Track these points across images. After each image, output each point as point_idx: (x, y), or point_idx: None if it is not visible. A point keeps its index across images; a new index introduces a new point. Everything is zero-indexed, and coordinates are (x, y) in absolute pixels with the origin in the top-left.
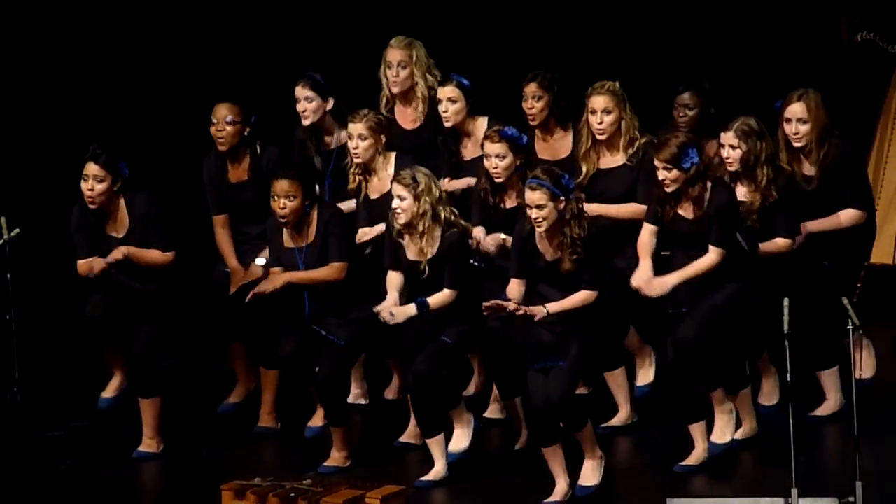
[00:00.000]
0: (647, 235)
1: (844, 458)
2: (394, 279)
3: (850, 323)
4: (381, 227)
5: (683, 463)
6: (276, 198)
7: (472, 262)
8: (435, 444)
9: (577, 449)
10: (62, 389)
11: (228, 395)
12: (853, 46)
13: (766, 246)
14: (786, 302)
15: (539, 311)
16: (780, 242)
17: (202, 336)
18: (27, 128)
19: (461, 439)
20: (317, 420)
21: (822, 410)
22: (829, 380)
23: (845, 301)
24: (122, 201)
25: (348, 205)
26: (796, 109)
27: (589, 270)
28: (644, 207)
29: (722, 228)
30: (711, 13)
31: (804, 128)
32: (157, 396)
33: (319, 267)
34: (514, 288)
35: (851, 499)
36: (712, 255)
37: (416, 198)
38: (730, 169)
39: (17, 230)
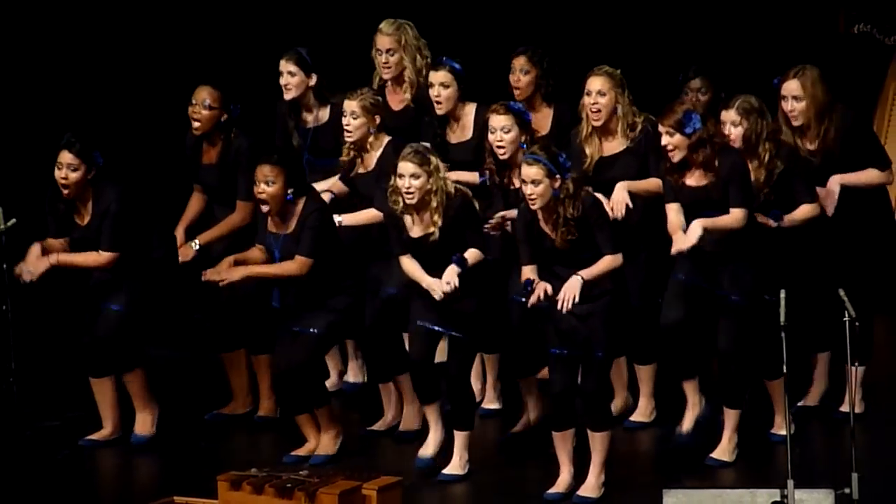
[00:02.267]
0: (673, 215)
1: (841, 450)
2: (411, 265)
3: (846, 315)
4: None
5: (682, 430)
6: (256, 182)
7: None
8: (431, 412)
9: (582, 452)
10: (59, 379)
11: (223, 407)
12: (850, 38)
13: (794, 215)
14: (782, 294)
15: (574, 287)
16: (807, 208)
17: (199, 329)
18: (22, 119)
19: (432, 444)
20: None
21: (810, 400)
22: (820, 364)
23: (842, 293)
24: (92, 192)
25: (330, 181)
26: (792, 87)
27: (603, 237)
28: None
29: (741, 188)
30: (708, 5)
31: (800, 105)
32: (136, 369)
33: (286, 260)
34: (528, 275)
35: (847, 490)
36: (737, 215)
37: (430, 175)
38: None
39: (13, 220)
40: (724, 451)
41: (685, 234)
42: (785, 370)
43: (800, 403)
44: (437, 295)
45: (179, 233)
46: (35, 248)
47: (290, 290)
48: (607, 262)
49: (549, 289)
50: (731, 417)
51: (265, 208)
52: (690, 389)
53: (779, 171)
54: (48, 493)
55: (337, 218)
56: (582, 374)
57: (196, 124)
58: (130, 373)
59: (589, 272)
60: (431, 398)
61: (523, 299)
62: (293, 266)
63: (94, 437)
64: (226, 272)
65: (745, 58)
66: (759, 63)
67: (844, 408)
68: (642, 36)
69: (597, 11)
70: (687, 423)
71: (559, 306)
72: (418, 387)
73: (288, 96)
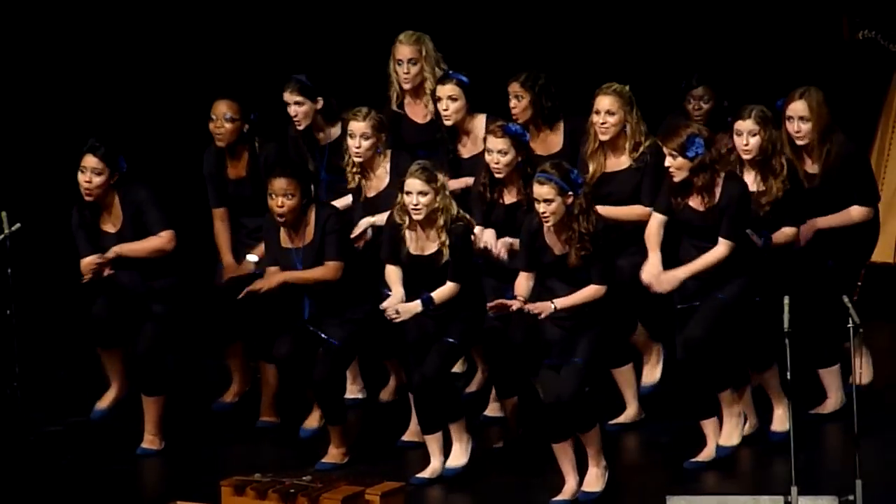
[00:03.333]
0: (655, 226)
1: (844, 457)
2: (394, 273)
3: (850, 321)
4: (378, 217)
5: (694, 459)
6: (273, 196)
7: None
8: (433, 442)
9: (584, 454)
10: (63, 385)
11: (224, 394)
12: (854, 44)
13: (775, 237)
14: (786, 300)
15: (546, 308)
16: (787, 232)
17: (202, 332)
18: (28, 123)
19: (460, 455)
20: (312, 421)
21: (823, 409)
22: (831, 378)
23: (846, 299)
24: (117, 197)
25: (345, 201)
26: (798, 108)
27: (597, 265)
28: (648, 210)
29: (733, 221)
30: (713, 11)
31: (805, 126)
32: (160, 395)
33: (317, 267)
34: (523, 282)
35: (851, 497)
36: (721, 248)
37: (437, 192)
38: (746, 157)
39: (17, 225)
40: (706, 455)
41: (664, 276)
42: (789, 377)
43: (812, 411)
44: (389, 313)
45: (229, 259)
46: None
47: (321, 298)
48: (590, 292)
49: (515, 307)
50: (707, 426)
51: (282, 220)
52: (710, 430)
53: (787, 190)
54: (52, 499)
55: (508, 240)
56: (560, 380)
57: (219, 138)
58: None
59: (565, 301)
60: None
61: (490, 314)
62: (326, 271)
63: (102, 405)
64: (261, 281)
65: (748, 65)
66: (762, 70)
67: (820, 409)
68: (646, 42)
69: (601, 19)
70: (701, 458)
71: (525, 308)
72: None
73: (301, 126)
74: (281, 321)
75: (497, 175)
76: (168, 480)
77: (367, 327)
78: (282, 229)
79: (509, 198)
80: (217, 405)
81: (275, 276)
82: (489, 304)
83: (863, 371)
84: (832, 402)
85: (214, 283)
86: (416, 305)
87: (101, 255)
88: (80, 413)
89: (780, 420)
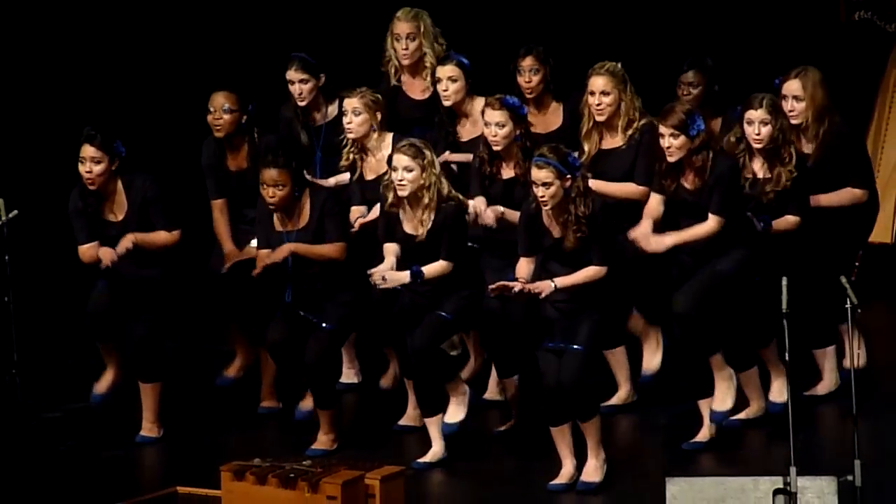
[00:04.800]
0: (654, 202)
1: (843, 437)
2: (390, 248)
3: (848, 302)
4: (376, 211)
5: (693, 440)
6: (264, 186)
7: (468, 243)
8: (433, 425)
9: (582, 441)
10: (62, 371)
11: (227, 368)
12: (851, 25)
13: (777, 224)
14: (784, 281)
15: (546, 287)
16: (791, 220)
17: (201, 318)
18: (25, 111)
19: (457, 412)
20: (307, 403)
21: (818, 390)
22: (826, 359)
23: (843, 280)
24: (120, 184)
25: (339, 178)
26: (793, 87)
27: (597, 246)
28: (641, 189)
29: (722, 196)
30: None
31: (800, 105)
32: (157, 381)
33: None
34: (523, 266)
35: (850, 477)
36: (711, 223)
37: (423, 169)
38: (757, 147)
39: (15, 212)
40: (704, 435)
41: (653, 238)
42: (787, 357)
43: (806, 393)
44: (375, 279)
45: (230, 247)
46: (104, 248)
47: (309, 282)
48: (590, 272)
49: (516, 288)
50: (704, 406)
51: (273, 209)
52: (706, 410)
53: (794, 177)
54: (51, 485)
55: (499, 209)
56: (561, 366)
57: (218, 130)
58: (151, 384)
59: (565, 280)
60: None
61: (492, 296)
62: (334, 250)
63: (100, 388)
64: (272, 254)
65: (745, 47)
66: (759, 52)
67: (815, 391)
68: (639, 25)
69: (596, 2)
70: (699, 439)
71: (525, 289)
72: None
73: (303, 103)
74: (270, 306)
75: (495, 148)
76: (168, 466)
77: (359, 309)
78: (275, 214)
79: (507, 172)
80: (220, 380)
81: (284, 247)
82: (490, 287)
83: (859, 354)
84: (826, 383)
85: (210, 266)
86: (405, 275)
87: (118, 249)
88: (79, 399)
89: (779, 391)
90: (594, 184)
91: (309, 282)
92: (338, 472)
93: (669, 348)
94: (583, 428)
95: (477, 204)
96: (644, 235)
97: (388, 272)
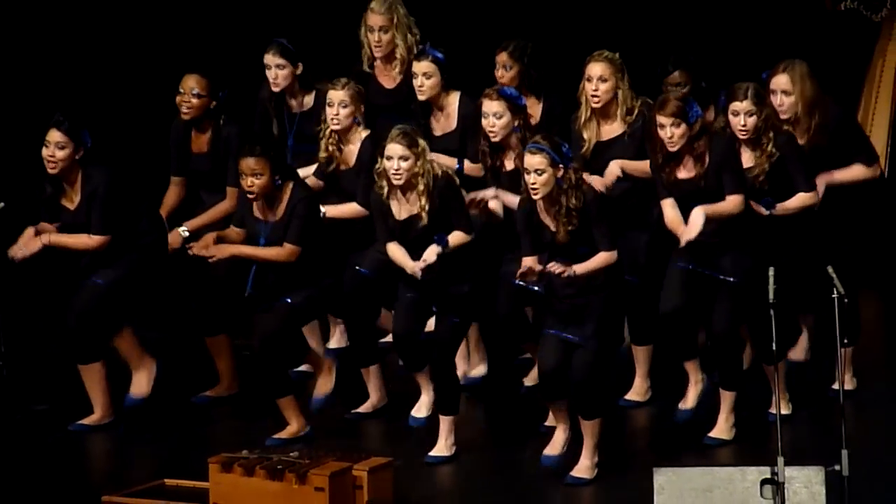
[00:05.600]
0: (670, 210)
1: (831, 427)
2: (397, 250)
3: (835, 292)
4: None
5: (683, 407)
6: (243, 175)
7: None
8: (422, 378)
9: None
10: (49, 363)
11: (208, 389)
12: (837, 15)
13: (788, 204)
14: (771, 271)
15: (567, 269)
16: (804, 197)
17: (188, 309)
18: (8, 103)
19: (479, 364)
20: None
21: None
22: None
23: (830, 270)
24: (81, 173)
25: (308, 171)
26: (781, 81)
27: (600, 232)
28: None
29: (734, 174)
30: None
31: (788, 100)
32: (96, 362)
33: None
34: (529, 265)
35: (837, 467)
36: (735, 200)
37: (417, 157)
38: (743, 137)
39: (1, 204)
40: (721, 430)
41: (688, 226)
42: (775, 347)
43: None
44: (418, 275)
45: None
46: (29, 230)
47: (269, 277)
48: (602, 258)
49: (538, 269)
50: (727, 399)
51: (252, 197)
52: (692, 368)
53: (775, 158)
54: (38, 477)
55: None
56: (572, 364)
57: (185, 112)
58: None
59: (582, 267)
60: (419, 367)
61: (520, 283)
62: (280, 252)
63: (84, 421)
64: (215, 248)
65: (731, 37)
66: (745, 42)
67: (836, 386)
68: (625, 20)
69: None
70: (690, 401)
71: (551, 268)
72: (405, 358)
73: (277, 88)
74: (228, 290)
75: (493, 139)
76: (155, 458)
77: (327, 296)
78: (254, 203)
79: (509, 164)
80: (198, 398)
81: (227, 248)
82: (519, 273)
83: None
84: (800, 349)
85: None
86: (434, 249)
87: (29, 249)
88: (67, 392)
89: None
90: (619, 163)
91: (274, 277)
92: (325, 463)
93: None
94: (583, 425)
95: (487, 193)
96: (678, 224)
97: (420, 263)
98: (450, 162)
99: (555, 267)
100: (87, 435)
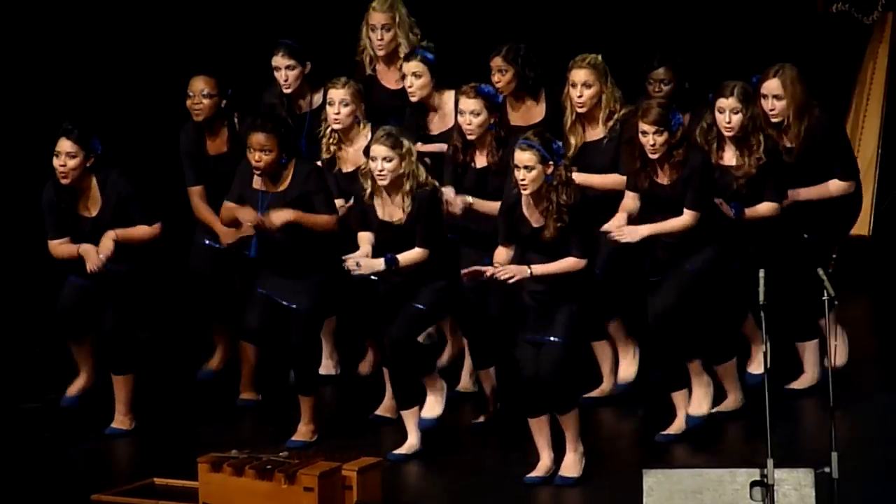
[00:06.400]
0: (629, 199)
1: (820, 429)
2: (365, 237)
3: (825, 294)
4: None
5: (665, 432)
6: (251, 150)
7: (447, 235)
8: (409, 417)
9: (561, 435)
10: (39, 362)
11: (208, 361)
12: (828, 18)
13: (752, 210)
14: (761, 273)
15: (521, 272)
16: (768, 206)
17: (179, 309)
18: (5, 111)
19: (434, 406)
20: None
21: (799, 383)
22: (808, 352)
23: (821, 272)
24: (94, 180)
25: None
26: (772, 86)
27: (576, 238)
28: (624, 179)
29: (697, 191)
30: None
31: (780, 104)
32: (129, 373)
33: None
34: (502, 254)
35: (827, 469)
36: (686, 217)
37: (402, 158)
38: (728, 135)
39: None
40: (677, 427)
41: (626, 228)
42: (765, 349)
43: (788, 386)
44: (349, 265)
45: (221, 227)
46: (83, 247)
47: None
48: (568, 263)
49: (489, 272)
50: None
51: (258, 173)
52: (680, 402)
53: (762, 163)
54: (27, 476)
55: (468, 199)
56: (540, 360)
57: (197, 114)
58: (123, 376)
59: (542, 269)
60: (419, 372)
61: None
62: (330, 221)
63: (71, 392)
64: (273, 215)
65: (721, 39)
66: (736, 45)
67: (796, 384)
68: (615, 20)
69: None
70: (704, 406)
71: (497, 274)
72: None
73: (289, 90)
74: (244, 297)
75: (469, 136)
76: (145, 458)
77: (333, 290)
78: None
79: (480, 161)
80: (202, 374)
81: (283, 213)
82: (463, 272)
83: (838, 352)
84: (808, 377)
85: (190, 266)
86: (379, 262)
87: (101, 255)
88: (56, 390)
89: (758, 362)
90: (578, 177)
91: (276, 266)
92: (315, 463)
93: (644, 360)
94: (561, 420)
95: (446, 192)
96: (617, 228)
97: (363, 259)
98: (441, 148)
99: (501, 273)
100: (78, 434)
